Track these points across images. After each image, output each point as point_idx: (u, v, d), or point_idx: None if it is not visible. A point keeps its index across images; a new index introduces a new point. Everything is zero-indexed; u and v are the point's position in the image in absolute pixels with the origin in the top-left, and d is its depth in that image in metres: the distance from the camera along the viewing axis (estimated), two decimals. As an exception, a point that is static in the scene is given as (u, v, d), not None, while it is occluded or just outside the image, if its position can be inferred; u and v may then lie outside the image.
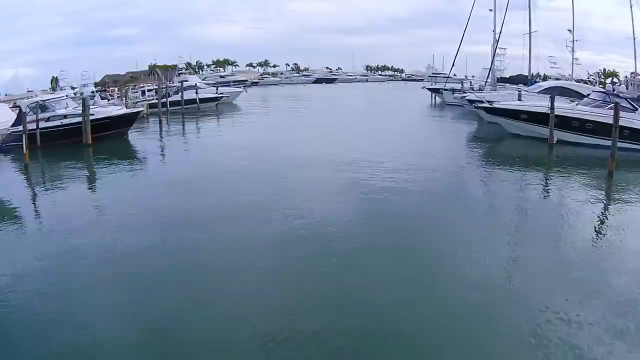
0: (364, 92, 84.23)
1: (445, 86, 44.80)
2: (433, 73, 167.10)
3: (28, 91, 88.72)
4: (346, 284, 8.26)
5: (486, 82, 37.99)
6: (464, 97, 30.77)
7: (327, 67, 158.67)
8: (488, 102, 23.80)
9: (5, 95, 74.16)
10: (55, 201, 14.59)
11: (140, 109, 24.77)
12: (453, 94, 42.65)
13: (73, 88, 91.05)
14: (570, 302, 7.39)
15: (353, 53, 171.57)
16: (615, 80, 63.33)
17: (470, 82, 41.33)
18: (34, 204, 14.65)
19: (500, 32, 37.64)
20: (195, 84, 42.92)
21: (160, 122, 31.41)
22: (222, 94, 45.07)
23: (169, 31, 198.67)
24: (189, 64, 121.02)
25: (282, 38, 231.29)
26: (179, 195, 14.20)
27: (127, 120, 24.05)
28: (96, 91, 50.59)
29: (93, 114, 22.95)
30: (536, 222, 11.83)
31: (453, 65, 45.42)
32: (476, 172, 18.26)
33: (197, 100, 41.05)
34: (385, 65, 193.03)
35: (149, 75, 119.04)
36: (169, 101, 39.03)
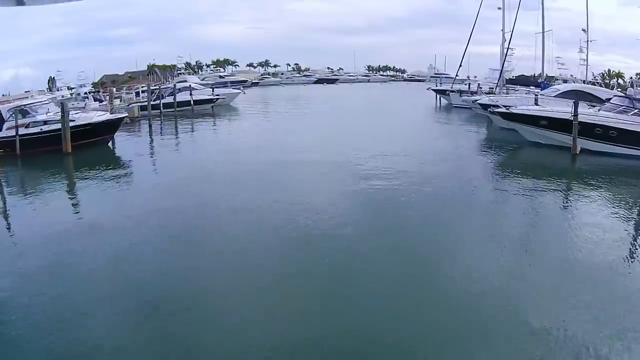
0: (366, 93, 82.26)
1: (452, 87, 42.70)
2: (435, 73, 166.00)
3: (25, 92, 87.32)
4: (359, 285, 8.31)
5: (497, 84, 35.95)
6: (476, 100, 28.79)
7: (328, 67, 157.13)
8: (505, 106, 21.84)
9: (3, 95, 73.44)
10: (20, 216, 13.19)
11: (124, 115, 22.80)
12: (460, 95, 40.68)
13: (70, 89, 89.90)
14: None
15: (354, 53, 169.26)
16: (620, 81, 61.56)
17: (479, 83, 39.36)
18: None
19: (512, 31, 35.70)
20: (190, 85, 40.88)
21: (150, 126, 29.54)
22: (218, 95, 42.98)
23: (169, 31, 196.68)
24: (188, 64, 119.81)
25: (283, 38, 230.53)
26: (163, 211, 12.78)
27: (109, 127, 22.13)
28: (89, 92, 48.66)
29: (73, 120, 21.08)
30: (555, 241, 10.51)
31: (460, 66, 43.63)
32: (492, 183, 16.59)
33: (192, 102, 38.99)
34: (387, 66, 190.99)
35: (148, 75, 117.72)
36: (163, 103, 37.13)
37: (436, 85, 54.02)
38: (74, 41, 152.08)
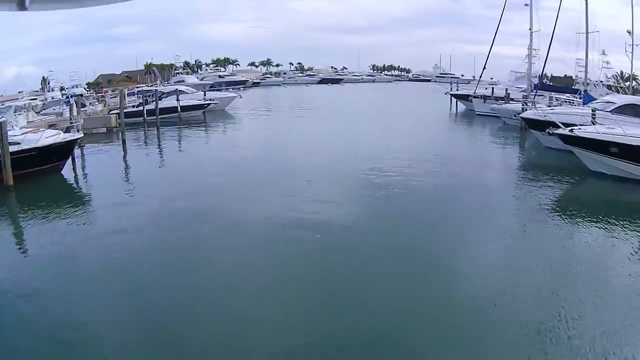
0: (374, 95, 77.41)
1: (475, 92, 37.95)
2: (441, 73, 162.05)
3: (18, 92, 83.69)
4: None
5: (534, 91, 30.96)
6: (518, 114, 23.77)
7: (332, 67, 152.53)
8: (563, 125, 17.12)
9: (0, 96, 69.56)
10: None
11: (77, 136, 18.11)
12: (485, 102, 36.06)
13: (63, 89, 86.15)
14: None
15: (358, 52, 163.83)
16: (634, 84, 56.90)
17: (507, 89, 34.71)
18: None
19: (556, 26, 30.76)
20: (177, 89, 36.03)
21: (124, 141, 24.87)
22: (210, 100, 38.32)
23: (170, 30, 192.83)
24: (187, 64, 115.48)
25: (284, 37, 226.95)
26: (126, 261, 10.13)
27: (60, 151, 17.55)
28: (70, 96, 44.20)
29: (19, 143, 16.61)
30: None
31: (484, 68, 38.85)
32: (554, 221, 12.88)
33: (179, 108, 34.24)
34: (391, 65, 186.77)
35: (146, 74, 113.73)
36: (147, 110, 32.75)
37: (451, 89, 49.23)
38: (75, 39, 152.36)
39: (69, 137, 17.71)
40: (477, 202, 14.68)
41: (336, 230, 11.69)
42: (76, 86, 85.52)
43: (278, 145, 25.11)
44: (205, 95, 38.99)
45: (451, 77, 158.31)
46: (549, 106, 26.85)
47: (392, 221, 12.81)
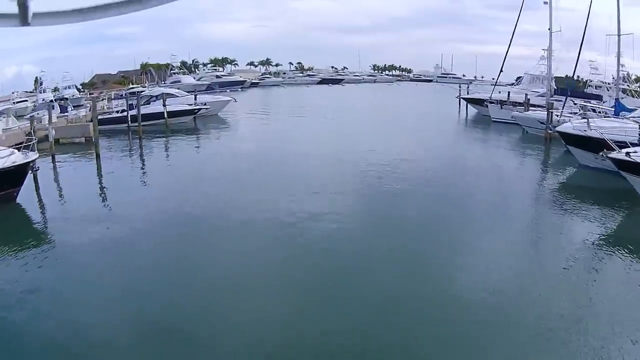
0: (377, 97, 74.51)
1: (491, 97, 34.81)
2: (442, 73, 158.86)
3: (12, 92, 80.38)
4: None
5: (567, 99, 27.88)
6: (555, 128, 20.51)
7: (332, 67, 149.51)
8: (619, 144, 14.06)
9: (-3, 96, 66.77)
10: None
11: (31, 159, 14.88)
12: (501, 107, 33.04)
13: (56, 90, 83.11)
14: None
15: (359, 52, 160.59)
16: None
17: (527, 94, 31.63)
18: None
19: (586, 27, 27.74)
20: (162, 93, 32.83)
21: (98, 155, 21.58)
22: (202, 104, 35.14)
23: (172, 29, 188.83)
24: (184, 63, 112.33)
25: (285, 37, 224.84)
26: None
27: (10, 177, 14.44)
28: (54, 99, 41.19)
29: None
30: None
31: (501, 71, 35.80)
32: (609, 265, 10.63)
33: (165, 114, 30.94)
34: (392, 65, 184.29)
35: (142, 74, 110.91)
36: (132, 116, 29.79)
37: (460, 92, 46.10)
38: (77, 39, 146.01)
39: (20, 160, 14.43)
40: (507, 234, 12.26)
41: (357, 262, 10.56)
42: (69, 87, 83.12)
43: (276, 159, 22.08)
44: (196, 99, 35.61)
45: (453, 78, 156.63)
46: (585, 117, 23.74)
47: (406, 251, 11.19)
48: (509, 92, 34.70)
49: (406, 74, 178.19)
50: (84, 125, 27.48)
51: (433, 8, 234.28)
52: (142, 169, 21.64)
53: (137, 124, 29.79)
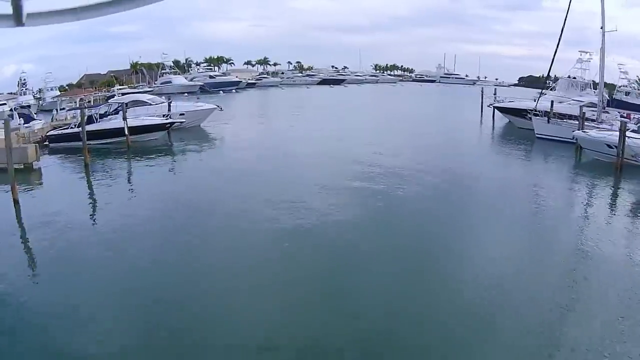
0: (385, 99, 68.06)
1: (536, 107, 28.18)
2: (445, 74, 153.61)
3: (-1, 94, 74.37)
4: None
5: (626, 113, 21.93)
6: (615, 147, 14.49)
7: (332, 66, 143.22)
8: None
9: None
10: None
11: None
12: (549, 121, 26.73)
13: (39, 91, 77.11)
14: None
15: (360, 52, 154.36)
16: None
17: (581, 107, 25.28)
18: None
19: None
20: (125, 103, 26.05)
21: (13, 188, 14.79)
22: (181, 114, 28.41)
23: (172, 28, 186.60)
24: (176, 62, 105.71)
25: (284, 36, 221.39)
26: None
27: None
28: (14, 108, 34.88)
29: None
30: None
31: (548, 76, 29.54)
32: None
33: (126, 130, 23.78)
34: (394, 65, 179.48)
35: (132, 74, 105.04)
36: (92, 132, 23.55)
37: (486, 96, 39.74)
38: (77, 37, 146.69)
39: None
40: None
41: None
42: (52, 89, 77.13)
43: (268, 198, 15.68)
44: (170, 108, 28.42)
45: (456, 78, 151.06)
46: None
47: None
48: (552, 102, 28.35)
49: (408, 74, 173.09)
50: (20, 147, 21.06)
51: (433, 7, 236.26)
52: (74, 215, 15.16)
53: (96, 141, 23.68)
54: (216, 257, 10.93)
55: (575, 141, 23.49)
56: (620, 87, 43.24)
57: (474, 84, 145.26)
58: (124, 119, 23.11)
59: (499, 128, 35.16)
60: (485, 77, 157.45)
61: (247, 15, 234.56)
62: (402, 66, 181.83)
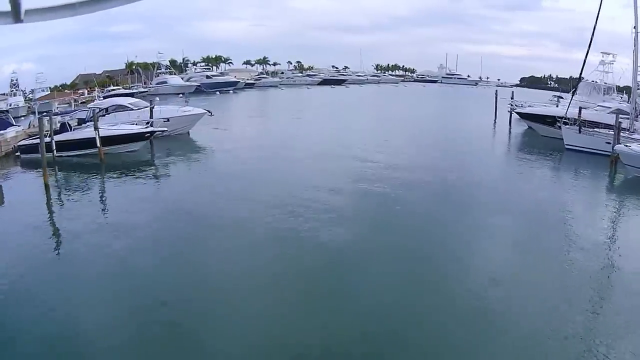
0: (389, 101, 64.83)
1: (566, 115, 24.91)
2: (447, 74, 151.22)
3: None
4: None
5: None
6: None
7: (333, 66, 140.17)
8: None
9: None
10: None
11: None
12: (580, 131, 23.72)
13: (30, 92, 74.51)
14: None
15: (360, 51, 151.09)
16: None
17: (618, 117, 22.23)
18: None
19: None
20: (105, 108, 22.86)
21: None
22: (164, 122, 24.64)
23: (172, 28, 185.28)
24: (173, 62, 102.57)
25: (284, 36, 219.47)
26: None
27: None
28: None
29: None
30: None
31: (580, 79, 26.57)
32: None
33: (97, 141, 20.38)
34: (396, 65, 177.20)
35: (127, 74, 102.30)
36: (59, 142, 20.64)
37: (500, 102, 36.73)
38: (75, 37, 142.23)
39: None
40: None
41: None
42: (42, 90, 74.43)
43: (267, 229, 12.76)
44: (152, 114, 24.78)
45: (458, 78, 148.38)
46: None
47: None
48: (580, 109, 25.33)
49: (409, 74, 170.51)
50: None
51: (432, 7, 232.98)
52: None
53: (71, 152, 20.79)
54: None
55: (610, 153, 20.70)
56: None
57: (476, 84, 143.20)
58: (95, 128, 19.85)
59: (518, 135, 32.16)
60: (488, 78, 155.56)
61: (247, 14, 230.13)
62: (403, 66, 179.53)
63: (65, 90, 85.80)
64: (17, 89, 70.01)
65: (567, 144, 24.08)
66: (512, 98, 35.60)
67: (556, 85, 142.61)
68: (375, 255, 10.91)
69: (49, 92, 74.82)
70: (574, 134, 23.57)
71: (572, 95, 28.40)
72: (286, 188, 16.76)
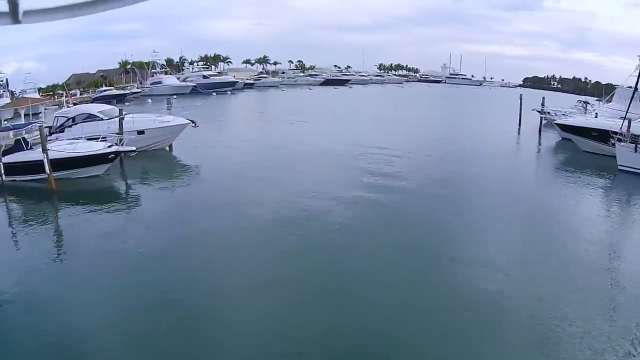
0: (398, 104, 60.55)
1: (621, 129, 20.34)
2: (451, 74, 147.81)
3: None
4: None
5: None
6: None
7: (335, 66, 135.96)
8: None
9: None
10: None
11: None
12: (636, 149, 19.62)
13: (19, 93, 71.47)
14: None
15: (363, 51, 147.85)
16: None
17: None
18: None
19: None
20: (72, 117, 18.63)
21: None
22: (137, 135, 20.57)
23: (172, 27, 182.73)
24: (169, 61, 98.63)
25: (285, 35, 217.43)
26: None
27: None
28: None
29: None
30: None
31: (636, 87, 22.45)
32: None
33: (46, 166, 15.95)
34: (399, 64, 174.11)
35: (121, 74, 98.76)
36: (6, 164, 16.66)
37: (531, 104, 32.43)
38: (76, 36, 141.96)
39: None
40: None
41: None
42: (30, 90, 71.21)
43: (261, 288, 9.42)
44: (121, 127, 19.93)
45: (462, 78, 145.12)
46: None
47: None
48: (629, 121, 21.14)
49: (413, 74, 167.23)
50: None
51: (434, 7, 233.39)
52: None
53: (21, 176, 16.84)
54: None
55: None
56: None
57: (481, 84, 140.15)
58: (44, 149, 15.53)
59: (552, 147, 27.94)
60: (492, 78, 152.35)
61: (247, 13, 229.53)
62: (406, 66, 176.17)
63: (58, 91, 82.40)
64: (4, 89, 66.34)
65: (620, 165, 19.91)
66: (542, 105, 31.24)
67: (559, 85, 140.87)
68: (376, 255, 10.94)
69: (39, 94, 71.79)
70: (630, 153, 19.44)
71: (606, 103, 24.53)
72: (279, 239, 12.76)
